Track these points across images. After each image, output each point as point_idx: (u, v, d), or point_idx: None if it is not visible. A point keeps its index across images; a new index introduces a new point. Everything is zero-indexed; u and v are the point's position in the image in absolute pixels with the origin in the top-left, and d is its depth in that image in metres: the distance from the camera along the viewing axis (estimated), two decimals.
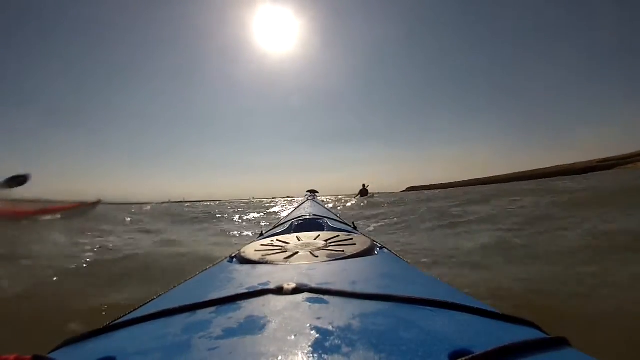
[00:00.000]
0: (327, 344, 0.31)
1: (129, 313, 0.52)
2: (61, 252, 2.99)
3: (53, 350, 0.42)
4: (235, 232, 5.17)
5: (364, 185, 16.59)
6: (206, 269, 0.79)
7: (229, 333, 0.35)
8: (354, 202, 12.65)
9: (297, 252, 0.78)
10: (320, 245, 0.84)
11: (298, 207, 2.38)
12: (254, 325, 0.36)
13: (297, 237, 0.98)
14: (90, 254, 2.88)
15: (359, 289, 0.47)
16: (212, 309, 0.43)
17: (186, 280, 0.71)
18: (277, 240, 0.95)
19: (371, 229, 4.93)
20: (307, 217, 1.54)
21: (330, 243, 0.87)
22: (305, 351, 0.30)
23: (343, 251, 0.76)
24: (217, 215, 9.18)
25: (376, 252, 0.81)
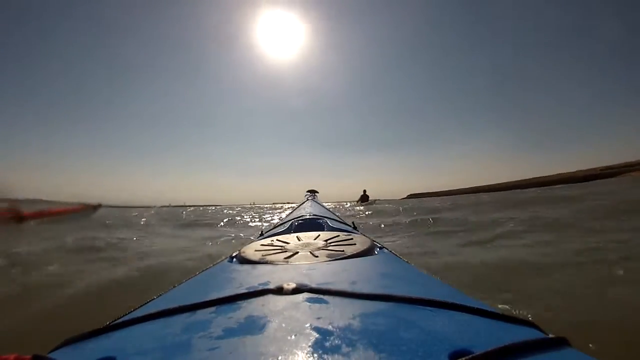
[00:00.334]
0: (327, 344, 0.31)
1: (129, 313, 0.52)
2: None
3: (53, 350, 0.42)
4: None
5: (364, 192, 16.29)
6: (206, 268, 0.80)
7: (229, 333, 0.35)
8: (359, 209, 11.63)
9: (297, 252, 0.78)
10: (320, 245, 0.84)
11: (298, 207, 2.38)
12: (254, 325, 0.36)
13: (297, 237, 0.98)
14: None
15: (359, 289, 0.47)
16: (212, 309, 0.43)
17: (186, 280, 0.71)
18: (277, 240, 0.95)
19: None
20: (307, 217, 1.54)
21: (330, 243, 0.87)
22: (305, 351, 0.30)
23: (343, 251, 0.76)
24: (248, 223, 7.90)
25: (376, 252, 0.81)
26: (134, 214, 12.55)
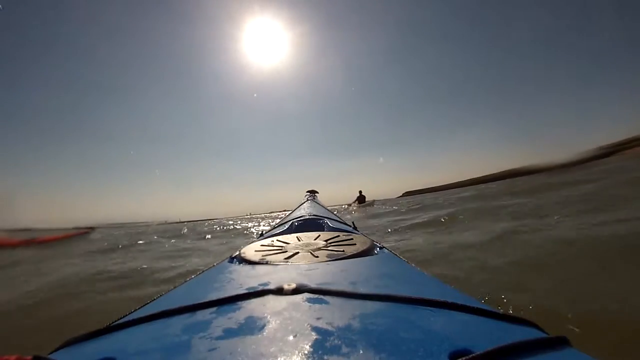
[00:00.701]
0: (327, 344, 0.31)
1: (129, 314, 0.52)
2: None
3: (54, 351, 0.42)
4: None
5: (360, 192, 15.67)
6: (206, 269, 0.80)
7: (229, 333, 0.35)
8: (358, 214, 9.89)
9: (297, 252, 0.78)
10: (320, 245, 0.84)
11: (298, 207, 2.38)
12: (254, 326, 0.36)
13: (297, 237, 0.98)
14: None
15: (359, 289, 0.47)
16: (213, 309, 0.43)
17: (186, 281, 0.71)
18: (277, 240, 0.95)
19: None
20: (307, 217, 1.54)
21: (330, 243, 0.87)
22: (306, 351, 0.30)
23: (343, 251, 0.76)
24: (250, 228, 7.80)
25: (376, 252, 0.81)
26: (139, 230, 12.36)
